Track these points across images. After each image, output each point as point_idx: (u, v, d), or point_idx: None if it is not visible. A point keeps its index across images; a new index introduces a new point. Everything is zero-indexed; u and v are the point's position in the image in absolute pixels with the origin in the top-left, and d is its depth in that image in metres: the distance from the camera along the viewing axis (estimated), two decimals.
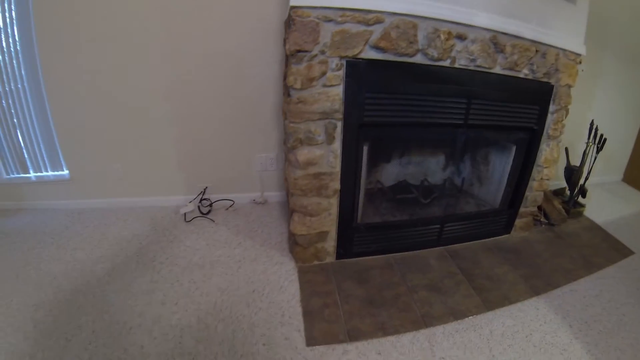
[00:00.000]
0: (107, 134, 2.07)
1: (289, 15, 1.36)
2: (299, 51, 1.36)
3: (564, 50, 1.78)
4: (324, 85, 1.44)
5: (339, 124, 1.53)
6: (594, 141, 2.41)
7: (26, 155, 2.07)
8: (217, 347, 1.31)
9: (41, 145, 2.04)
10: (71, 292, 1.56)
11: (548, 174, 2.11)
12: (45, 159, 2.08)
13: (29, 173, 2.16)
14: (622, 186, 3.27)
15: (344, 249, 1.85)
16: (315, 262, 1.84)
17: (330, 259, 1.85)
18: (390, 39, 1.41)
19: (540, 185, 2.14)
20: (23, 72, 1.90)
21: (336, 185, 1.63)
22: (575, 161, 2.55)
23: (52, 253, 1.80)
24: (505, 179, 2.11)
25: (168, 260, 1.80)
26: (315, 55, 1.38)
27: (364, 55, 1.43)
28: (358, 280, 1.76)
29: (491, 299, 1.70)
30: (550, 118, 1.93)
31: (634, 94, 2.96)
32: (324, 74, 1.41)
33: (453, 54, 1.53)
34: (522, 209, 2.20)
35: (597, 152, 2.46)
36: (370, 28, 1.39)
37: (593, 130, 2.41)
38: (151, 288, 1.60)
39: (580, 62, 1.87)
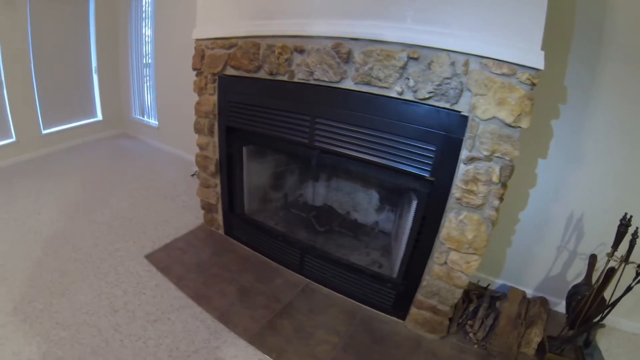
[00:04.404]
0: (177, 109, 3.05)
1: None
2: (196, 69, 1.81)
3: (481, 57, 1.04)
4: (209, 94, 1.79)
5: (215, 123, 1.81)
6: (627, 256, 1.08)
7: (145, 107, 3.47)
8: (115, 228, 2.10)
9: (151, 103, 3.46)
10: (110, 173, 2.85)
11: (459, 262, 1.25)
12: (152, 111, 3.52)
13: (144, 117, 3.53)
14: None
15: (229, 228, 2.07)
16: (212, 228, 2.17)
17: (221, 231, 2.13)
18: (237, 58, 1.56)
19: (449, 276, 1.30)
20: (152, 54, 3.22)
21: (212, 168, 1.92)
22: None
23: (126, 163, 3.07)
24: (404, 243, 1.46)
25: (156, 188, 2.68)
26: (202, 72, 1.77)
27: (227, 72, 1.65)
28: (215, 253, 1.96)
29: (268, 338, 1.41)
30: (461, 170, 1.18)
31: None
32: (206, 84, 1.77)
33: (292, 67, 1.40)
34: (418, 296, 1.42)
35: (637, 279, 1.08)
36: (229, 51, 1.60)
37: (629, 235, 1.09)
38: (133, 195, 2.54)
39: (533, 84, 1.01)
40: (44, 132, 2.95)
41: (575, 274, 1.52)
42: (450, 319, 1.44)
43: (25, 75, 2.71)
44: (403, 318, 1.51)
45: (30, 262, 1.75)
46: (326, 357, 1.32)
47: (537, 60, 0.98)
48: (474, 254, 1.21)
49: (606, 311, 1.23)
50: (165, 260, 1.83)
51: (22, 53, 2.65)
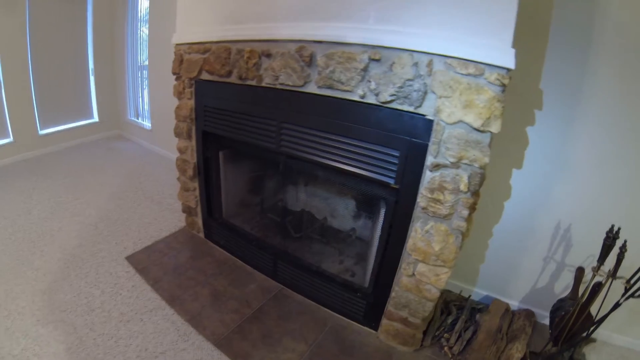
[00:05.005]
0: (169, 112, 3.06)
1: None
2: (175, 73, 1.81)
3: (445, 56, 0.98)
4: (187, 98, 1.79)
5: (193, 127, 1.81)
6: (615, 271, 0.99)
7: (140, 109, 3.66)
8: (101, 229, 2.14)
9: (146, 105, 3.52)
10: (101, 174, 2.89)
11: (428, 275, 1.19)
12: (146, 114, 3.57)
13: (138, 119, 3.59)
14: None
15: (208, 232, 2.07)
16: (193, 232, 2.18)
17: (201, 234, 2.13)
18: (210, 63, 1.54)
19: (418, 289, 1.24)
20: (146, 56, 3.28)
21: (191, 171, 1.92)
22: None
23: (118, 164, 3.15)
24: (374, 252, 1.42)
25: (144, 190, 2.73)
26: (181, 76, 1.77)
27: (203, 77, 1.64)
28: (193, 256, 1.97)
29: (235, 343, 1.41)
30: (427, 177, 1.12)
31: None
32: (184, 89, 1.77)
33: (260, 72, 1.38)
34: (389, 307, 1.37)
35: (626, 296, 0.99)
36: (204, 56, 1.60)
37: (616, 248, 1.00)
38: (121, 196, 2.60)
39: (504, 84, 0.94)
40: (41, 132, 3.05)
41: (563, 286, 1.43)
42: (425, 331, 1.39)
43: (23, 76, 2.80)
44: (375, 329, 1.46)
45: (17, 260, 1.81)
46: None
47: (507, 58, 0.91)
48: (442, 266, 1.15)
49: (592, 328, 1.15)
50: (145, 261, 1.85)
51: (20, 54, 2.74)
